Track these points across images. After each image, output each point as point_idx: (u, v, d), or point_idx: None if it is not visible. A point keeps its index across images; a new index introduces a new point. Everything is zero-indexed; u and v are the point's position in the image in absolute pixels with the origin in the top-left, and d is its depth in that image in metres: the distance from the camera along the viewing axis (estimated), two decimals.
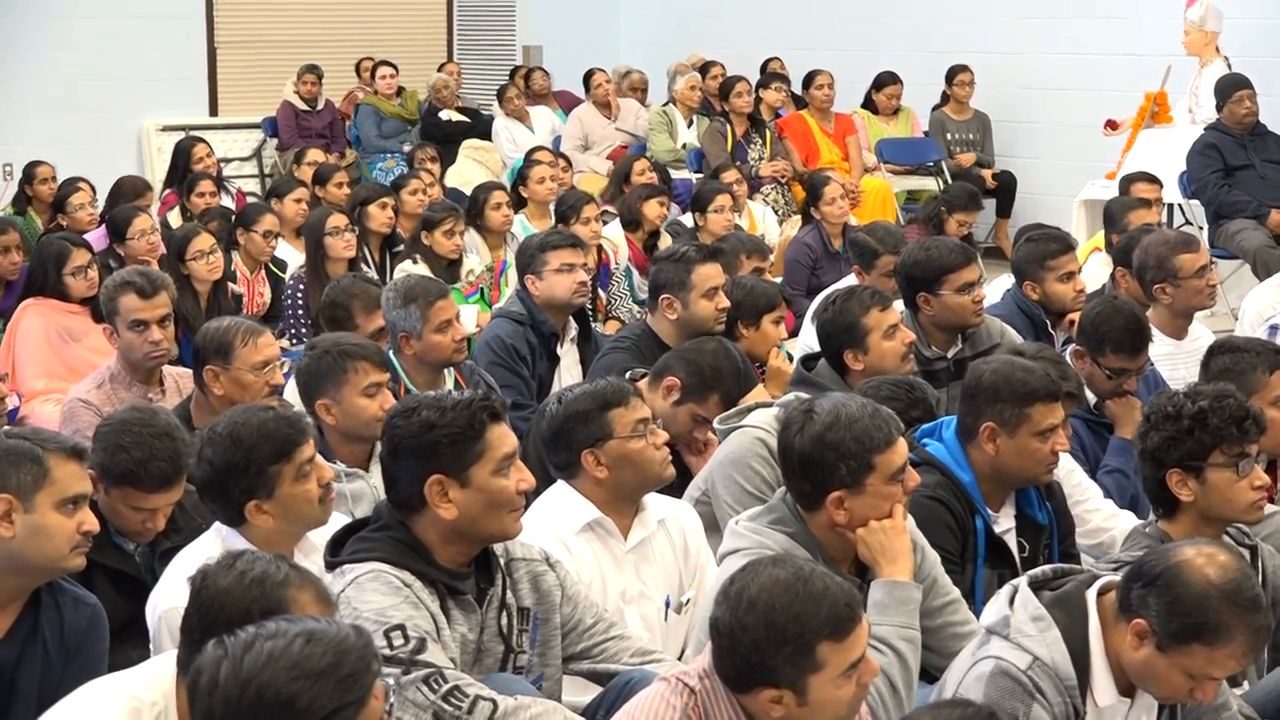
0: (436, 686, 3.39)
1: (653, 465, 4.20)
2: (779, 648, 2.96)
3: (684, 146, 12.48)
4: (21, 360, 6.90)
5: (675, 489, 4.61)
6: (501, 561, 3.70)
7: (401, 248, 8.62)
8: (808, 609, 2.97)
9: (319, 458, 3.89)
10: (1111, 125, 11.33)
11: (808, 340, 6.41)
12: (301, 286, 7.83)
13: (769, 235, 9.78)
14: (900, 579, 3.71)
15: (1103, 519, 4.96)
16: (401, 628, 3.42)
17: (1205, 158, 9.82)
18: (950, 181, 11.55)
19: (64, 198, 9.55)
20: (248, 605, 2.92)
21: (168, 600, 3.65)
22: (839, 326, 5.35)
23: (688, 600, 4.31)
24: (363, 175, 12.93)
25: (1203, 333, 6.39)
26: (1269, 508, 4.24)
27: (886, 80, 12.71)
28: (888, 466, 3.69)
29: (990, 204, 12.13)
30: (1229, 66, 10.54)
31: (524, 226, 9.21)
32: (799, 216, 10.12)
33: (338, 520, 3.88)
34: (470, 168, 12.50)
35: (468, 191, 9.77)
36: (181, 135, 12.42)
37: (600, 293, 8.40)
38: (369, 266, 8.34)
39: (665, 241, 8.78)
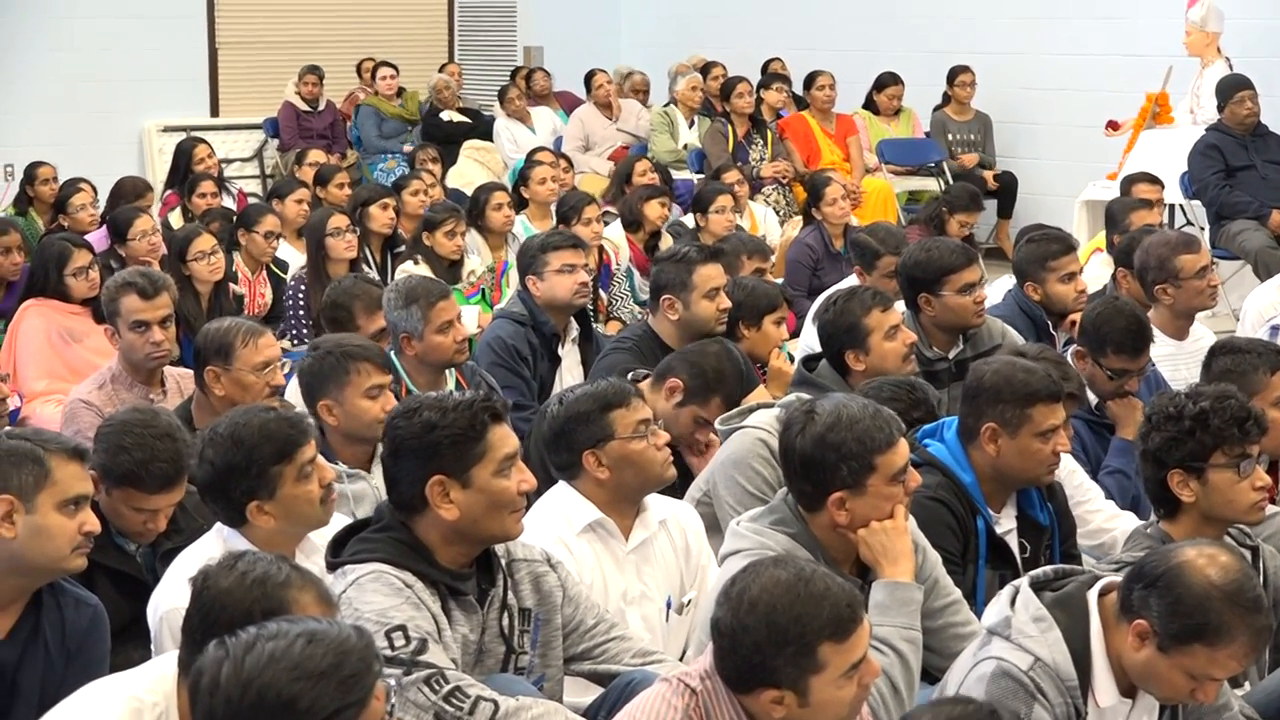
0: (438, 687, 3.39)
1: (654, 466, 4.20)
2: (780, 648, 2.97)
3: (685, 147, 12.48)
4: (23, 361, 6.91)
5: (676, 490, 4.61)
6: (503, 562, 3.70)
7: (403, 248, 8.63)
8: (809, 610, 2.97)
9: (320, 458, 3.89)
10: (1113, 126, 11.33)
11: (809, 341, 6.41)
12: (303, 287, 7.83)
13: (770, 236, 9.78)
14: (902, 580, 3.71)
15: (1104, 520, 4.96)
16: (403, 628, 3.42)
17: (1206, 158, 9.83)
18: (951, 182, 11.55)
19: (65, 198, 9.56)
20: (249, 606, 2.92)
21: (169, 601, 3.65)
22: (840, 327, 5.35)
23: (689, 601, 4.31)
24: (364, 176, 12.93)
25: (1204, 333, 6.39)
26: (1270, 508, 4.24)
27: (888, 81, 12.71)
28: (889, 467, 3.69)
29: (991, 205, 12.14)
30: (1230, 67, 10.54)
31: (525, 227, 9.21)
32: (800, 217, 10.12)
33: (339, 521, 3.88)
34: (471, 168, 12.51)
35: (469, 192, 9.77)
36: (183, 136, 12.45)
37: (601, 293, 8.40)
38: (370, 267, 8.34)
39: (666, 242, 8.78)
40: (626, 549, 4.21)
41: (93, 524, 3.56)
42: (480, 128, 13.74)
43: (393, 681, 3.28)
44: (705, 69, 13.32)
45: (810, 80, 12.40)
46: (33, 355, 6.91)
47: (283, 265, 8.46)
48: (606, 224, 9.03)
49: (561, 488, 4.26)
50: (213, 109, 14.75)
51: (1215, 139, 9.87)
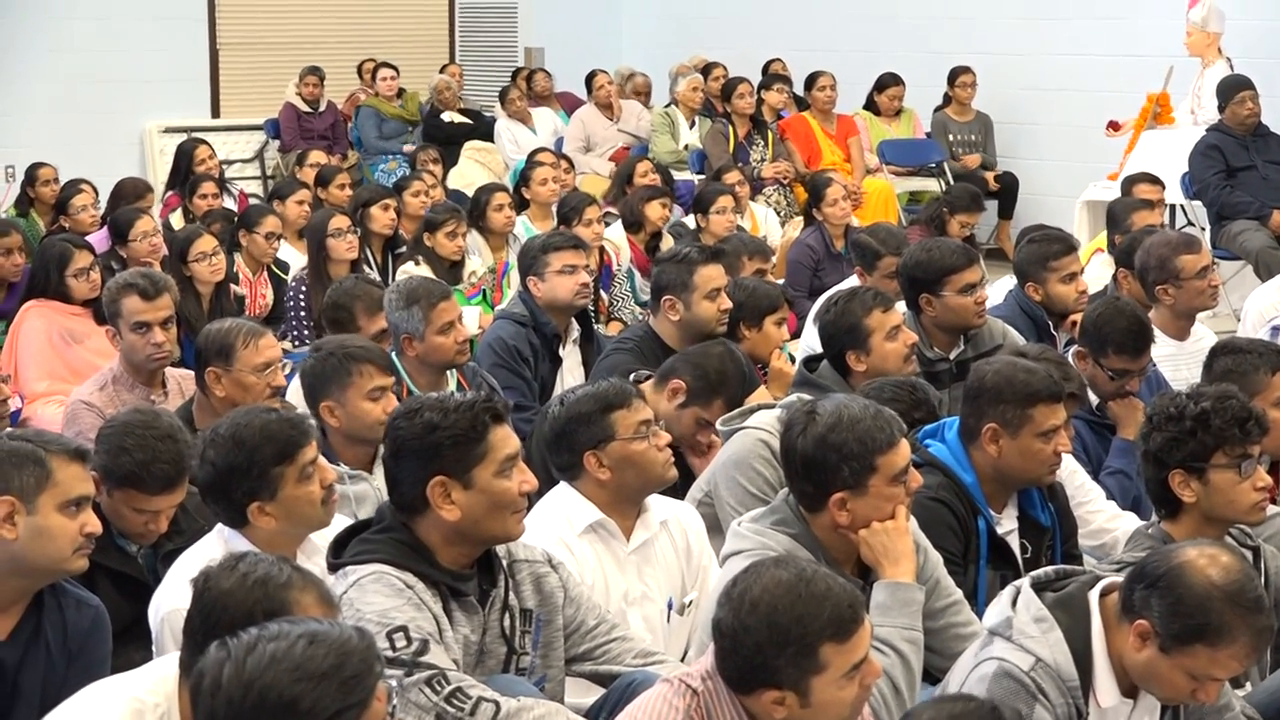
0: (439, 688, 3.39)
1: (655, 467, 4.20)
2: (781, 649, 2.97)
3: (686, 148, 12.47)
4: (24, 362, 6.91)
5: (678, 490, 4.61)
6: (504, 563, 3.70)
7: (404, 249, 8.63)
8: (810, 610, 2.97)
9: (322, 459, 3.89)
10: (1114, 126, 11.33)
11: (810, 342, 6.41)
12: (304, 288, 7.83)
13: (771, 237, 9.78)
14: (903, 580, 3.71)
15: (1105, 520, 4.96)
16: (404, 629, 3.42)
17: (1207, 159, 9.82)
18: (952, 183, 11.55)
19: (66, 199, 9.56)
20: (250, 607, 2.92)
21: (170, 602, 3.65)
22: (841, 328, 5.35)
23: (690, 602, 4.31)
24: (365, 177, 12.93)
25: (1205, 334, 6.39)
26: (1271, 509, 4.24)
27: (888, 81, 12.70)
28: (890, 468, 3.69)
29: (992, 205, 12.13)
30: (1231, 67, 10.54)
31: (526, 228, 9.21)
32: (801, 218, 10.11)
33: (341, 522, 3.88)
34: (472, 169, 12.51)
35: (470, 193, 9.77)
36: (184, 137, 12.46)
37: (602, 294, 8.40)
38: (371, 268, 8.34)
39: (667, 243, 8.78)
40: (628, 550, 4.21)
41: (94, 525, 3.56)
42: (481, 128, 13.74)
43: (394, 682, 3.28)
44: (706, 70, 13.31)
45: (811, 81, 12.40)
46: (34, 356, 6.91)
47: (284, 266, 8.46)
48: (607, 225, 9.03)
49: (563, 488, 4.26)
50: (214, 110, 14.75)
51: (1216, 139, 9.87)
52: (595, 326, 6.98)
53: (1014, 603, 3.39)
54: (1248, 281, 9.35)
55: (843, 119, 12.36)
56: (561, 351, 6.53)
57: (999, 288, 7.06)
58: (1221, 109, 9.97)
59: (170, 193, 10.95)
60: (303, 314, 7.76)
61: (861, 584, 3.69)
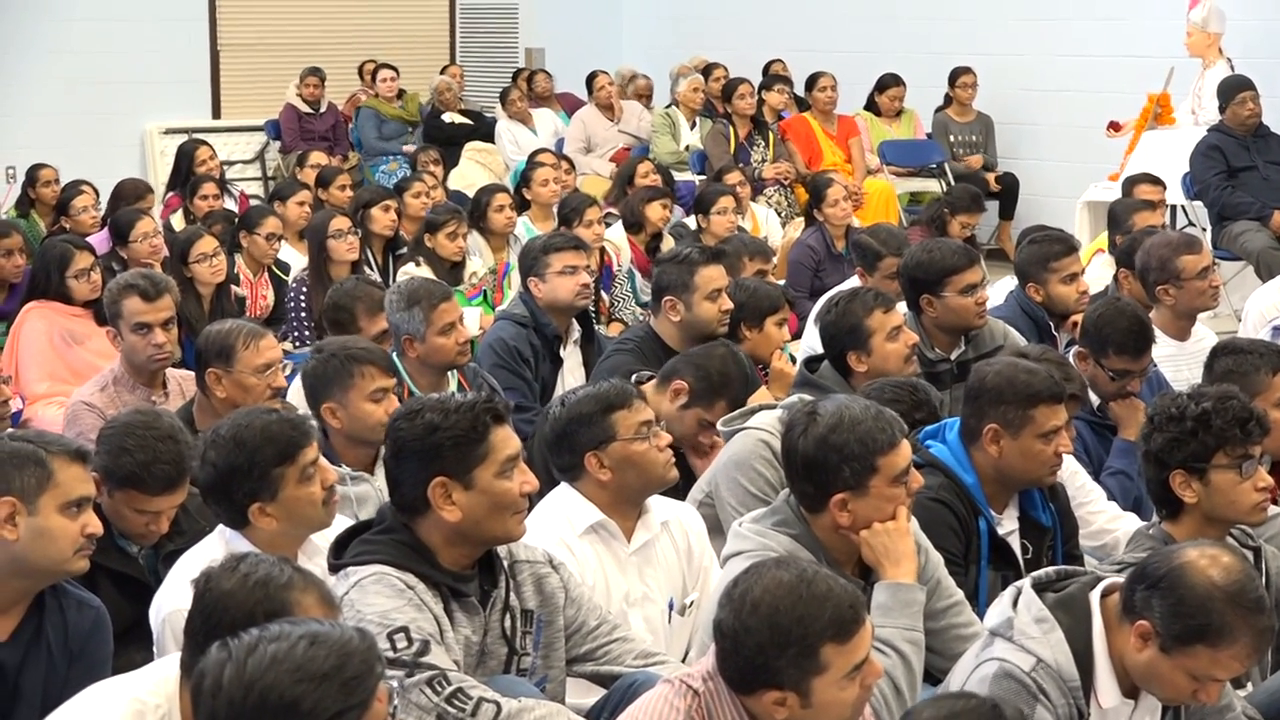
0: (440, 689, 3.39)
1: (656, 467, 4.20)
2: (783, 650, 2.97)
3: (687, 148, 12.48)
4: (25, 363, 6.91)
5: (679, 491, 4.61)
6: (505, 564, 3.70)
7: (404, 250, 8.63)
8: (811, 611, 2.97)
9: (323, 460, 3.89)
10: (1114, 127, 11.33)
11: (811, 342, 6.41)
12: (304, 289, 7.83)
13: (772, 237, 9.78)
14: (904, 581, 3.71)
15: (1106, 521, 4.96)
16: (405, 630, 3.42)
17: (1208, 159, 9.82)
18: (953, 183, 11.55)
19: (67, 200, 9.56)
20: (251, 608, 2.92)
21: (171, 603, 3.65)
22: (842, 328, 5.34)
23: (691, 602, 4.31)
24: (365, 178, 12.93)
25: (1206, 334, 6.39)
26: (1272, 509, 4.24)
27: (889, 82, 12.70)
28: (891, 468, 3.69)
29: (993, 206, 12.13)
30: (1232, 68, 10.54)
31: (527, 229, 9.21)
32: (802, 218, 10.12)
33: (342, 523, 3.88)
34: (473, 170, 12.51)
35: (470, 194, 9.77)
36: (184, 138, 12.46)
37: (603, 295, 8.39)
38: (372, 269, 8.34)
39: (668, 243, 8.78)
40: (629, 550, 4.21)
41: (95, 526, 3.56)
42: (482, 129, 13.74)
43: (395, 683, 3.28)
44: (707, 70, 13.31)
45: (812, 81, 12.39)
46: (35, 357, 6.91)
47: (284, 267, 8.46)
48: (608, 225, 9.03)
49: (563, 489, 4.26)
50: (214, 111, 14.76)
51: (1217, 140, 9.86)
52: (596, 327, 6.98)
53: (1015, 603, 3.39)
54: (1249, 282, 9.35)
55: (843, 120, 12.36)
56: (562, 352, 6.53)
57: (1000, 288, 7.06)
58: (1222, 109, 9.96)
59: (171, 194, 10.95)
60: (303, 315, 7.75)
61: (862, 585, 3.69)
